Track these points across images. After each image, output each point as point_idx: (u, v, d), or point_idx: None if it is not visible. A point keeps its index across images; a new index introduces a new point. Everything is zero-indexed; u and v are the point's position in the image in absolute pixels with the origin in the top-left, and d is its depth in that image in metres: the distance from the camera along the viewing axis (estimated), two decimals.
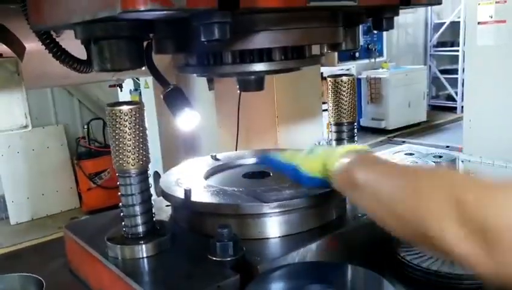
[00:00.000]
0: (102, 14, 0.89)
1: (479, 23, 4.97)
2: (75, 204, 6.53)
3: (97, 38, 1.08)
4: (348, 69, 8.54)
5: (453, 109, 10.65)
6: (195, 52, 1.22)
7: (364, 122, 9.57)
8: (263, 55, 1.18)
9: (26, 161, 6.16)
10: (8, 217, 6.13)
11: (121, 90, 3.48)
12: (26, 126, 1.60)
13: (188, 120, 1.74)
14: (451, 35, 10.71)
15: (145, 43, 1.39)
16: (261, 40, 1.12)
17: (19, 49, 1.62)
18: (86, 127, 6.38)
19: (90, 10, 0.92)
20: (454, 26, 10.24)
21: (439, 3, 1.32)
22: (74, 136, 6.61)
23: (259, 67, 1.18)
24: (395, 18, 1.29)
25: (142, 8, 0.82)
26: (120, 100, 4.37)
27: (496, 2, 4.84)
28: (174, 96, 1.74)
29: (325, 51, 1.53)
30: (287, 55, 1.21)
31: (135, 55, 1.13)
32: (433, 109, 10.97)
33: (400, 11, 1.27)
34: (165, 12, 0.88)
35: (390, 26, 1.29)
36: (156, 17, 1.04)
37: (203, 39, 0.94)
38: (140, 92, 3.61)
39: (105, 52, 1.08)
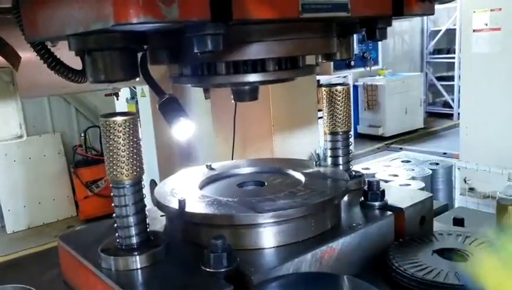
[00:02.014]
0: (95, 27, 0.89)
1: (474, 30, 5.01)
2: (72, 212, 6.51)
3: (90, 50, 1.08)
4: (344, 77, 8.60)
5: (449, 116, 10.69)
6: (190, 62, 1.23)
7: (361, 129, 9.60)
8: (257, 65, 1.18)
9: (22, 169, 6.14)
10: (5, 225, 6.10)
11: (117, 99, 3.49)
12: (21, 136, 1.60)
13: (183, 130, 1.74)
14: (447, 43, 10.78)
15: (140, 54, 1.39)
16: (254, 51, 1.12)
17: (14, 59, 1.62)
18: (82, 135, 6.38)
19: (83, 22, 0.93)
20: (450, 33, 10.31)
21: (432, 13, 1.33)
22: (71, 144, 6.60)
23: (253, 77, 1.19)
24: (392, 27, 1.29)
25: (135, 21, 0.83)
26: (116, 109, 4.37)
27: (491, 10, 4.88)
28: (169, 106, 1.74)
29: (320, 60, 1.54)
30: (281, 66, 1.22)
31: (129, 66, 1.14)
32: (430, 115, 11.01)
33: (396, 19, 1.28)
34: (157, 24, 0.89)
35: (384, 36, 1.30)
36: (149, 29, 1.04)
37: (196, 51, 0.94)
38: (136, 101, 3.62)
39: (98, 63, 1.09)
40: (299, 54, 1.23)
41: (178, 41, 1.09)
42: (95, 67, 1.10)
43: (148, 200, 1.34)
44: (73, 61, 1.27)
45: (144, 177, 1.22)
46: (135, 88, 3.56)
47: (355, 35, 1.51)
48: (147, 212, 1.23)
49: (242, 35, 1.09)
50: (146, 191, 1.35)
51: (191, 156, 2.82)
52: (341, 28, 1.35)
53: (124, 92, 3.94)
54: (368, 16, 1.24)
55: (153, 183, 3.04)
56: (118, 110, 4.14)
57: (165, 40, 1.16)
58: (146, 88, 3.26)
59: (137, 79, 1.22)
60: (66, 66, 1.35)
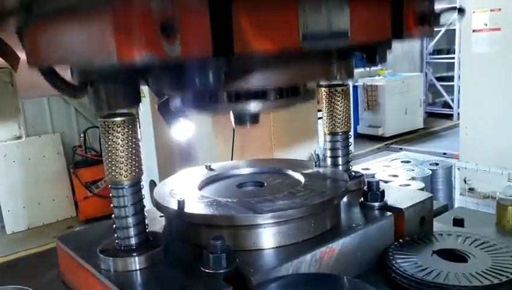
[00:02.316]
0: (98, 63, 0.89)
1: (474, 30, 5.01)
2: (72, 213, 6.51)
3: (93, 81, 1.08)
4: None
5: (449, 116, 10.69)
6: (191, 93, 1.21)
7: (361, 129, 9.60)
8: (258, 93, 1.17)
9: (22, 169, 6.14)
10: (4, 226, 6.10)
11: None
12: (19, 137, 1.60)
13: (182, 130, 1.74)
14: (447, 43, 10.78)
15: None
16: (255, 81, 1.11)
17: (13, 59, 1.62)
18: (82, 135, 6.37)
19: (86, 57, 0.92)
20: (450, 33, 10.31)
21: (431, 36, 1.33)
22: (71, 145, 6.60)
23: (254, 106, 1.17)
24: (391, 49, 1.29)
25: (138, 59, 0.82)
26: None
27: (491, 10, 4.88)
28: (168, 107, 1.74)
29: (320, 84, 1.54)
30: (282, 94, 1.21)
31: (131, 95, 1.13)
32: (430, 116, 11.01)
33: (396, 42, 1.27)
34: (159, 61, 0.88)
35: (384, 59, 1.29)
36: (152, 64, 1.04)
37: (198, 85, 0.94)
38: None
39: (101, 94, 1.08)
40: (300, 83, 1.22)
41: (179, 73, 1.08)
42: (97, 98, 1.09)
43: (147, 201, 1.34)
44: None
45: (143, 177, 1.22)
46: None
47: None
48: (145, 213, 1.23)
49: (242, 66, 1.08)
50: (145, 191, 1.35)
51: (191, 157, 2.82)
52: (341, 52, 1.34)
53: None
54: (368, 42, 1.24)
55: (153, 184, 3.04)
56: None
57: (166, 72, 1.15)
58: (146, 89, 3.25)
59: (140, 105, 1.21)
60: (70, 84, 1.33)
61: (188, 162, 2.70)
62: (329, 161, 1.64)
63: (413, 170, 3.69)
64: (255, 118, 1.25)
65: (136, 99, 1.15)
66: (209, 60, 0.89)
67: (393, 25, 1.19)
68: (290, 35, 1.00)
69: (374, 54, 1.26)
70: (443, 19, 1.29)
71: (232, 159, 2.42)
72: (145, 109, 3.23)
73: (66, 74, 1.29)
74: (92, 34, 0.85)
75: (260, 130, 2.61)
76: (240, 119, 1.27)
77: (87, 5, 0.81)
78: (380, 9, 1.16)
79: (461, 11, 1.38)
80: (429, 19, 1.23)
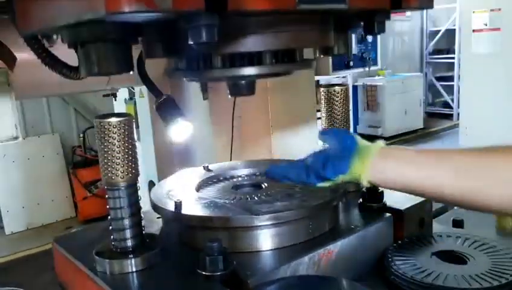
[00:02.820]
0: (87, 17, 0.87)
1: (474, 30, 5.01)
2: (71, 213, 6.49)
3: (83, 42, 1.06)
4: (344, 77, 8.58)
5: (449, 116, 10.67)
6: (185, 56, 1.20)
7: (360, 129, 9.58)
8: (253, 58, 1.16)
9: (21, 170, 6.12)
10: (3, 226, 6.09)
11: (115, 100, 3.47)
12: (16, 137, 1.59)
13: (180, 130, 1.73)
14: (446, 43, 10.77)
15: (138, 52, 1.37)
16: (250, 44, 1.09)
17: (9, 59, 1.61)
18: (81, 135, 6.35)
19: (74, 13, 0.90)
20: (450, 33, 10.30)
21: (431, 7, 1.30)
22: (70, 145, 6.58)
23: (249, 71, 1.15)
24: (392, 27, 1.27)
25: (127, 10, 0.80)
26: (115, 110, 4.34)
27: (491, 10, 4.87)
28: (166, 107, 1.73)
29: (317, 55, 1.51)
30: (277, 59, 1.20)
31: (122, 59, 1.11)
32: (430, 116, 10.99)
33: (396, 19, 1.25)
34: (150, 14, 0.87)
35: (382, 30, 1.27)
36: (142, 19, 1.02)
37: (190, 42, 0.92)
38: (135, 102, 3.60)
39: (91, 55, 1.07)
40: (296, 46, 1.20)
41: (172, 34, 1.07)
42: (88, 60, 1.08)
43: (146, 202, 1.33)
44: (71, 60, 1.26)
45: (141, 178, 1.21)
46: (133, 89, 3.55)
47: (353, 35, 1.49)
48: (143, 214, 1.22)
49: (237, 28, 1.07)
50: (144, 192, 1.34)
51: (190, 157, 2.81)
52: (338, 22, 1.33)
53: (122, 93, 3.93)
54: (366, 8, 1.21)
55: (151, 185, 3.02)
56: (116, 110, 4.12)
57: (159, 33, 1.13)
58: (144, 89, 3.24)
59: (131, 72, 1.19)
60: (61, 62, 1.33)
61: (186, 162, 2.69)
62: None
63: None
64: (250, 87, 1.23)
65: (128, 66, 1.14)
66: (202, 15, 0.87)
67: None
68: None
69: (372, 24, 1.24)
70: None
71: (230, 159, 2.41)
72: (144, 109, 3.21)
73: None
74: None
75: (259, 129, 2.60)
76: (235, 89, 1.25)
77: None
78: None
79: None
80: None
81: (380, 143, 1.09)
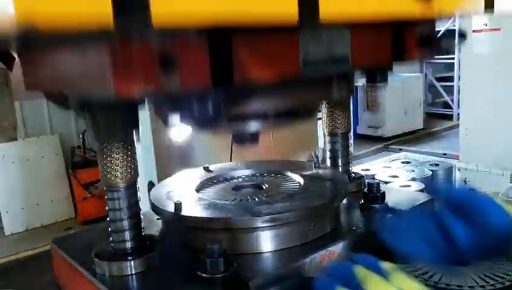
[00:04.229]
0: (95, 98, 0.87)
1: (474, 31, 4.99)
2: (70, 214, 6.48)
3: (91, 108, 1.05)
4: None
5: (449, 117, 10.67)
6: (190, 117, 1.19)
7: (361, 130, 9.58)
8: (258, 115, 1.15)
9: (20, 170, 6.11)
10: (3, 227, 6.08)
11: None
12: (14, 138, 1.57)
13: (180, 131, 1.71)
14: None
15: None
16: (254, 106, 1.09)
17: (7, 59, 1.59)
18: (81, 136, 6.35)
19: (83, 89, 0.89)
20: (450, 34, 10.29)
21: (433, 57, 1.32)
22: (69, 146, 6.58)
23: (253, 127, 1.15)
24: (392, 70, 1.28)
25: (137, 94, 0.80)
26: None
27: None
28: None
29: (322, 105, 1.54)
30: (281, 115, 1.18)
31: (130, 123, 1.10)
32: (430, 116, 10.99)
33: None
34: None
35: (385, 79, 1.28)
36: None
37: (196, 116, 0.92)
38: None
39: (99, 124, 1.05)
40: (300, 106, 1.19)
41: (179, 101, 1.06)
42: (95, 127, 1.05)
43: (146, 203, 1.32)
44: None
45: (142, 179, 1.20)
46: None
47: None
48: (143, 215, 1.21)
49: (242, 94, 1.06)
50: (144, 193, 1.33)
51: (190, 157, 2.80)
52: (341, 76, 1.33)
53: None
54: (369, 67, 1.22)
55: (151, 185, 3.01)
56: None
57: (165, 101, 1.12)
58: None
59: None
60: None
61: (187, 162, 2.68)
62: (328, 162, 1.62)
63: (414, 171, 3.67)
64: (254, 138, 1.23)
65: (135, 126, 1.12)
66: (208, 90, 0.88)
67: (394, 48, 1.17)
68: (290, 63, 0.98)
69: (374, 76, 1.25)
70: (444, 43, 1.29)
71: (230, 160, 2.40)
72: (144, 109, 3.21)
73: None
74: (89, 67, 0.83)
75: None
76: (240, 139, 1.25)
77: (85, 38, 0.78)
78: (381, 33, 1.15)
79: (462, 35, 1.37)
80: (430, 42, 1.22)
81: None
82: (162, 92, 0.80)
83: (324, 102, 1.57)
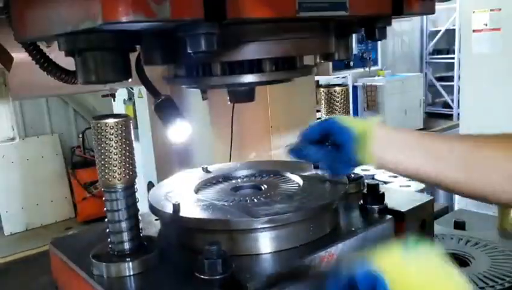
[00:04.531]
0: (83, 26, 0.86)
1: (474, 31, 4.98)
2: (70, 214, 6.48)
3: (80, 50, 1.05)
4: (344, 77, 8.57)
5: (449, 116, 10.67)
6: (184, 63, 1.19)
7: None
8: (253, 66, 1.15)
9: (20, 170, 6.11)
10: (2, 227, 6.07)
11: (114, 100, 3.45)
12: (13, 138, 1.57)
13: (179, 131, 1.71)
14: (446, 43, 10.76)
15: (135, 54, 1.36)
16: (250, 51, 1.09)
17: (6, 59, 1.59)
18: (81, 136, 6.35)
19: (71, 22, 0.90)
20: (450, 34, 10.29)
21: (432, 12, 1.30)
22: (69, 146, 6.58)
23: (249, 78, 1.15)
24: (392, 27, 1.27)
25: (124, 19, 0.80)
26: (114, 110, 4.33)
27: (491, 10, 4.85)
28: (165, 107, 1.71)
29: (318, 61, 1.50)
30: (277, 66, 1.19)
31: (121, 66, 1.11)
32: (430, 116, 10.98)
33: (396, 18, 1.25)
34: (148, 23, 0.86)
35: (383, 35, 1.27)
36: (140, 28, 1.01)
37: (189, 51, 0.92)
38: (134, 102, 3.59)
39: (89, 64, 1.05)
40: (296, 54, 1.20)
41: (171, 42, 1.06)
42: (85, 68, 1.06)
43: (145, 203, 1.31)
44: (68, 61, 1.24)
45: (141, 179, 1.19)
46: (132, 89, 3.53)
47: (354, 36, 1.48)
48: (142, 216, 1.20)
49: (237, 35, 1.06)
50: (143, 193, 1.32)
51: (189, 158, 2.79)
52: (339, 28, 1.32)
53: (121, 93, 3.91)
54: (367, 15, 1.21)
55: (151, 186, 3.01)
56: (115, 111, 4.10)
57: (157, 40, 1.13)
58: (143, 89, 3.22)
59: (130, 80, 1.18)
60: (59, 66, 1.32)
61: (186, 163, 2.67)
62: None
63: None
64: (250, 94, 1.22)
65: (125, 73, 1.12)
66: (201, 24, 0.86)
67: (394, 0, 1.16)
68: (287, 2, 0.97)
69: (373, 29, 1.24)
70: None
71: (230, 160, 2.39)
72: (143, 109, 3.20)
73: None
74: None
75: (259, 130, 2.58)
76: (235, 95, 1.25)
77: None
78: None
79: None
80: None
81: (375, 121, 1.12)
82: (152, 20, 0.79)
83: (323, 98, 1.55)
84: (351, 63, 8.64)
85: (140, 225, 1.20)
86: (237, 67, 1.16)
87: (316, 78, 4.79)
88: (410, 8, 1.19)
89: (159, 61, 1.19)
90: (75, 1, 0.88)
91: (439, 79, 11.05)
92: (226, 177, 1.54)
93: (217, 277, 1.03)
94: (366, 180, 1.52)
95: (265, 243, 1.18)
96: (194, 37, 0.89)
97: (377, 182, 1.44)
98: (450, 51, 10.58)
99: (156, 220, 1.40)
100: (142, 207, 1.22)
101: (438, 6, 1.35)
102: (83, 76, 1.08)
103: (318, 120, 1.22)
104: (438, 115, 11.04)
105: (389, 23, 1.25)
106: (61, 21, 0.94)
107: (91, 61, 1.05)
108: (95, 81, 1.08)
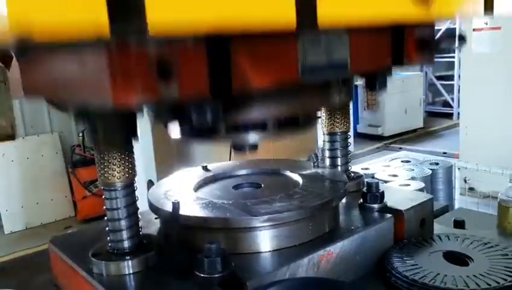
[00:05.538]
0: (93, 107, 0.87)
1: (474, 29, 4.98)
2: (70, 213, 6.48)
3: (90, 117, 1.04)
4: None
5: (449, 115, 10.66)
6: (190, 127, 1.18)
7: (360, 128, 9.57)
8: (257, 125, 1.14)
9: (20, 169, 6.11)
10: (2, 226, 6.07)
11: None
12: (12, 136, 1.57)
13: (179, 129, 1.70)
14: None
15: None
16: (253, 114, 1.08)
17: (5, 58, 1.59)
18: (81, 134, 6.33)
19: (82, 98, 0.89)
20: (449, 33, 10.27)
21: (432, 63, 1.30)
22: (69, 144, 6.56)
23: (253, 138, 1.14)
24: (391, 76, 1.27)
25: (134, 104, 0.79)
26: None
27: None
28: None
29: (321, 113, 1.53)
30: (281, 124, 1.17)
31: (128, 132, 1.10)
32: (430, 115, 10.98)
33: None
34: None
35: (384, 86, 1.26)
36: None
37: (195, 124, 0.91)
38: None
39: (98, 131, 1.05)
40: (299, 113, 1.18)
41: (177, 109, 1.05)
42: (94, 134, 1.06)
43: (145, 202, 1.31)
44: None
45: (141, 177, 1.19)
46: None
47: None
48: (141, 215, 1.21)
49: (241, 102, 1.05)
50: (143, 192, 1.32)
51: (189, 156, 2.79)
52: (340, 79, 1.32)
53: None
54: (368, 72, 1.21)
55: (151, 184, 3.01)
56: None
57: (163, 109, 1.11)
58: None
59: None
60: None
61: (186, 161, 2.67)
62: (328, 162, 1.62)
63: (413, 170, 3.65)
64: (254, 146, 1.22)
65: (134, 134, 1.12)
66: (207, 100, 0.87)
67: (394, 52, 1.16)
68: (289, 69, 0.97)
69: (374, 81, 1.24)
70: (444, 44, 1.28)
71: (230, 159, 2.39)
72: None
73: None
74: (87, 76, 0.82)
75: None
76: (239, 148, 1.24)
77: (82, 47, 0.77)
78: (380, 37, 1.14)
79: (462, 38, 1.35)
80: (430, 46, 1.20)
81: None
82: (160, 100, 0.79)
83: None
84: None
85: (140, 223, 1.20)
86: (242, 126, 1.14)
87: None
88: (410, 59, 1.18)
89: (165, 123, 1.17)
90: (86, 81, 0.85)
91: (440, 78, 11.05)
92: (225, 176, 1.54)
93: (217, 275, 1.03)
94: (365, 179, 1.52)
95: (265, 241, 1.18)
96: (200, 112, 0.90)
97: (376, 181, 1.44)
98: (450, 50, 10.57)
99: (156, 218, 1.40)
100: (142, 205, 1.22)
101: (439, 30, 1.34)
102: (92, 140, 1.08)
103: None
104: (438, 114, 11.03)
105: (390, 74, 1.25)
106: (71, 93, 0.92)
107: (100, 129, 1.05)
108: (103, 145, 1.09)
